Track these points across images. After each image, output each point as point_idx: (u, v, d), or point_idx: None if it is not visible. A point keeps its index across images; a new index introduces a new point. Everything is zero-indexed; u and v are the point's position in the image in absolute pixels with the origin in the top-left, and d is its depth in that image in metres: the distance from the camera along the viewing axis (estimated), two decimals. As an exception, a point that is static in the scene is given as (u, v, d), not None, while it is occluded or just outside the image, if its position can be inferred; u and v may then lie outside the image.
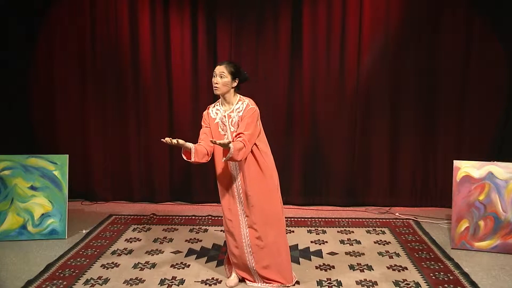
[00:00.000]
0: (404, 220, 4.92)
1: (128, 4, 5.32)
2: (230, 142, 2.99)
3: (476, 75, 5.10)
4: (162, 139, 3.06)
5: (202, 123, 3.37)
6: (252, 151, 3.21)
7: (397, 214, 5.16)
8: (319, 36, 5.24)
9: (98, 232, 4.58)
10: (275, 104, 5.35)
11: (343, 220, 4.95)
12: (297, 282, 3.43)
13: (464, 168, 4.15)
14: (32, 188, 4.41)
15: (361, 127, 5.34)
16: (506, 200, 4.02)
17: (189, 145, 3.13)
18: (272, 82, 5.35)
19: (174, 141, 3.01)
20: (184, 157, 3.17)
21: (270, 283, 3.36)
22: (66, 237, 4.40)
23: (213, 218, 4.98)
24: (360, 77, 5.26)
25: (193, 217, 5.04)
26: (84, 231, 4.58)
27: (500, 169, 4.06)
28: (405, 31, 5.14)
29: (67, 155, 4.50)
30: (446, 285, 3.43)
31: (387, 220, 4.95)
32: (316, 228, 4.69)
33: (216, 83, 3.21)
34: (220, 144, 2.98)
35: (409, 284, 3.46)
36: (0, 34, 5.30)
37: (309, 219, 4.95)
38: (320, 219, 4.97)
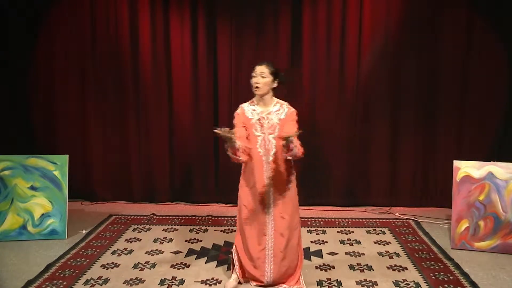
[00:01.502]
0: (404, 220, 4.92)
1: (128, 4, 5.31)
2: (291, 135, 2.95)
3: (476, 75, 5.10)
4: (216, 130, 2.92)
5: (236, 122, 3.27)
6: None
7: (397, 214, 5.16)
8: (319, 36, 5.24)
9: (98, 232, 4.58)
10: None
11: (343, 220, 4.95)
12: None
13: (464, 168, 4.15)
14: (32, 188, 4.41)
15: (361, 127, 5.34)
16: (506, 200, 4.02)
17: (237, 142, 3.06)
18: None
19: (227, 129, 2.94)
20: (232, 154, 3.06)
21: (278, 282, 3.35)
22: (66, 237, 4.40)
23: (213, 218, 4.98)
24: (360, 77, 5.26)
25: (193, 217, 5.04)
26: (84, 231, 4.58)
27: (500, 169, 4.06)
28: (405, 31, 5.14)
29: (67, 155, 4.50)
30: (446, 285, 3.44)
31: (387, 220, 4.95)
32: (316, 228, 4.69)
33: (258, 83, 3.18)
34: (286, 137, 2.95)
35: (409, 284, 3.47)
36: (0, 34, 5.30)
37: (309, 219, 4.95)
38: (320, 219, 4.96)
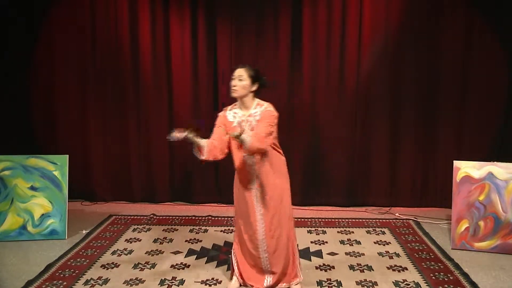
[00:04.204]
0: (404, 221, 4.92)
1: (128, 4, 5.32)
2: (242, 132, 2.96)
3: (476, 75, 5.10)
4: (169, 135, 2.94)
5: (216, 123, 3.30)
6: (268, 154, 3.22)
7: (397, 214, 5.15)
8: (319, 36, 5.24)
9: (98, 233, 4.58)
10: (275, 104, 5.28)
11: (343, 220, 4.95)
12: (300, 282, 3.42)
13: (464, 168, 4.15)
14: (32, 188, 4.41)
15: (361, 127, 5.35)
16: (506, 201, 4.02)
17: (201, 141, 3.07)
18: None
19: (185, 133, 2.95)
20: (198, 155, 3.10)
21: (278, 283, 3.33)
22: (66, 237, 4.40)
23: (213, 218, 4.98)
24: (360, 77, 5.26)
25: (193, 218, 5.04)
26: (84, 232, 4.58)
27: (500, 169, 4.06)
28: (405, 31, 5.13)
29: (67, 155, 4.50)
30: (446, 285, 3.44)
31: (387, 220, 4.95)
32: (316, 228, 4.69)
33: (234, 86, 3.19)
34: (233, 135, 2.95)
35: (409, 284, 3.47)
36: (0, 34, 5.30)
37: (309, 219, 4.95)
38: (320, 219, 4.96)
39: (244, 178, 3.29)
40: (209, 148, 3.11)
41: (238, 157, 3.25)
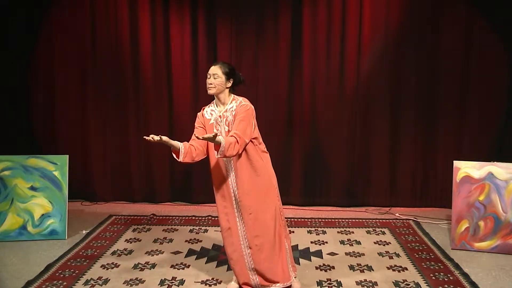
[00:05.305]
0: (404, 221, 4.92)
1: (128, 4, 5.32)
2: (216, 135, 2.91)
3: (476, 75, 5.10)
4: (145, 137, 2.96)
5: (195, 124, 3.35)
6: (246, 150, 3.17)
7: (397, 214, 5.15)
8: (319, 36, 5.24)
9: (98, 233, 4.58)
10: (275, 104, 5.36)
11: (343, 220, 4.95)
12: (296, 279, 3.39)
13: (464, 168, 4.15)
14: (32, 188, 4.41)
15: (361, 127, 5.35)
16: (506, 201, 4.02)
17: (176, 144, 3.07)
18: (272, 82, 5.36)
19: (157, 137, 2.94)
20: (174, 156, 3.13)
21: (267, 285, 3.28)
22: (66, 237, 4.40)
23: (213, 218, 4.98)
24: (360, 77, 5.26)
25: (193, 218, 5.04)
26: (84, 232, 4.58)
27: (500, 170, 4.06)
28: (405, 31, 5.14)
29: (67, 156, 4.50)
30: (446, 286, 3.43)
31: (387, 220, 4.95)
32: (316, 228, 4.69)
33: (210, 84, 3.21)
34: (206, 138, 2.91)
35: (409, 284, 3.46)
36: (0, 34, 5.30)
37: (309, 220, 4.95)
38: (320, 220, 4.96)
39: (220, 175, 3.26)
40: (185, 151, 3.11)
41: (213, 156, 3.20)
